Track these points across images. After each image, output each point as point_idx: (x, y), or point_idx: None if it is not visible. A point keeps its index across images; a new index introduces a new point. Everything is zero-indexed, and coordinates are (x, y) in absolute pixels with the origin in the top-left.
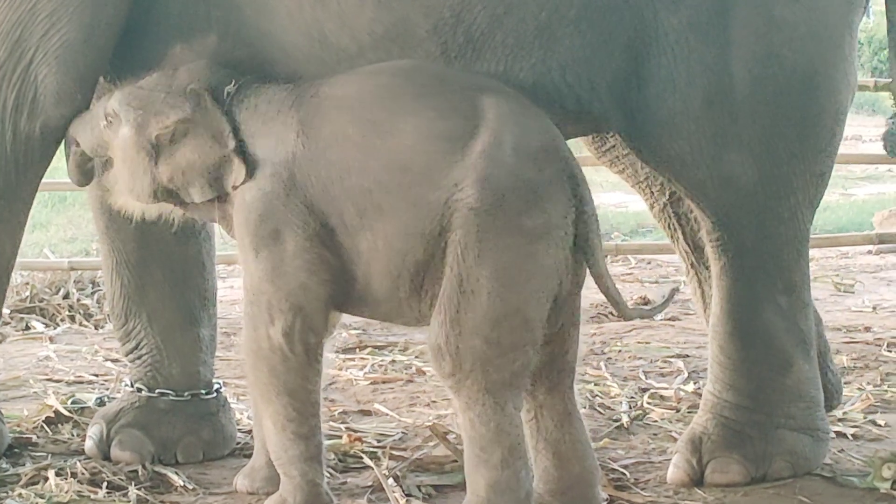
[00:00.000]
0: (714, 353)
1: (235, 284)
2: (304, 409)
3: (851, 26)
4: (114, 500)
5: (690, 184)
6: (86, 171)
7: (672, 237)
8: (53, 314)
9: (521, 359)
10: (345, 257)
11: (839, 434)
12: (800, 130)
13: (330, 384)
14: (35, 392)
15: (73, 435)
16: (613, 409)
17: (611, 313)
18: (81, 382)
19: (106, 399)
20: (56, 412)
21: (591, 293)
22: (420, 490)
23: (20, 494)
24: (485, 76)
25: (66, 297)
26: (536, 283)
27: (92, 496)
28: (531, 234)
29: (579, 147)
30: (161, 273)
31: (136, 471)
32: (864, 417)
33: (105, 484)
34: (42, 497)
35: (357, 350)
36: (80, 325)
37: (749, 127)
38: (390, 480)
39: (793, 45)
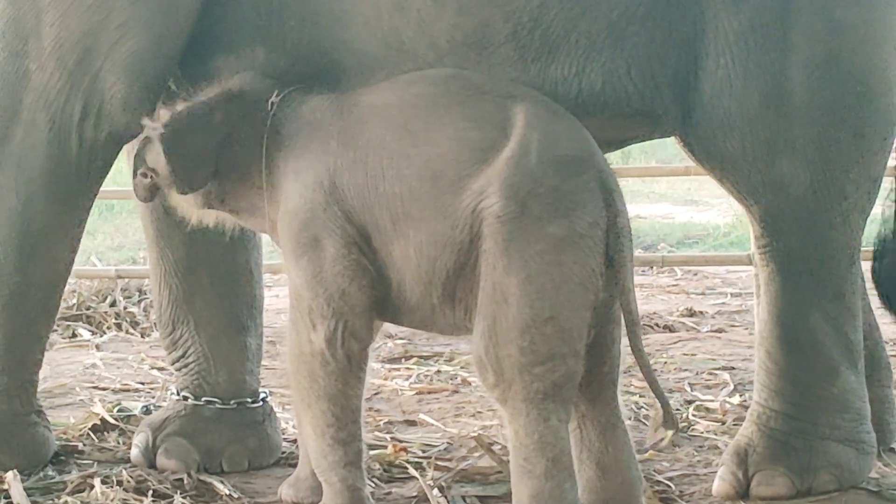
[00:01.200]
0: (761, 360)
1: (280, 293)
2: (343, 415)
3: None
4: None
5: (741, 186)
6: (151, 189)
7: None
8: (100, 322)
9: (561, 369)
10: (380, 264)
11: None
12: (855, 134)
13: (375, 394)
14: (81, 400)
15: (118, 443)
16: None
17: (656, 324)
18: (127, 390)
19: (152, 407)
20: (102, 420)
21: (639, 304)
22: (465, 501)
23: (66, 502)
24: (521, 84)
25: (112, 304)
26: (567, 291)
27: None
28: (556, 242)
29: (625, 158)
30: (209, 281)
31: (181, 479)
32: None
33: (150, 492)
34: None
35: (402, 360)
36: (127, 332)
37: (804, 132)
38: (435, 491)
39: (852, 47)
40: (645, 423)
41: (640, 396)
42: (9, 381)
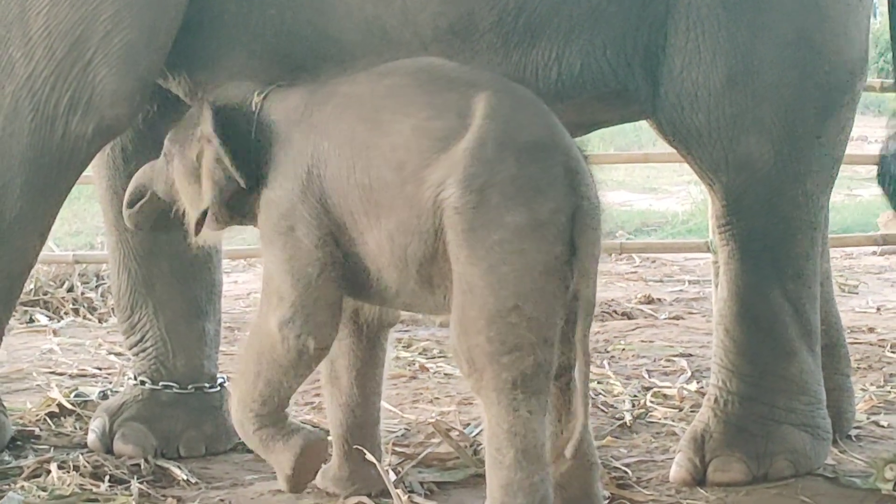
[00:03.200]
0: (720, 339)
1: (239, 279)
2: (270, 398)
3: (868, 9)
4: (116, 494)
5: (705, 163)
6: (148, 217)
7: None
8: (57, 307)
9: (529, 359)
10: (357, 253)
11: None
12: (820, 113)
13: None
14: (38, 385)
15: (75, 428)
16: (616, 408)
17: (615, 312)
18: (84, 376)
19: (109, 392)
20: (59, 405)
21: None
22: (422, 486)
23: (22, 487)
24: (491, 72)
25: (70, 290)
26: (530, 279)
27: (94, 489)
28: (517, 231)
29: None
30: (168, 266)
31: (138, 464)
32: (868, 418)
33: (107, 477)
34: (44, 490)
35: None
36: (84, 318)
37: (770, 110)
38: (392, 476)
39: (822, 26)
40: (603, 410)
41: (598, 383)
42: None
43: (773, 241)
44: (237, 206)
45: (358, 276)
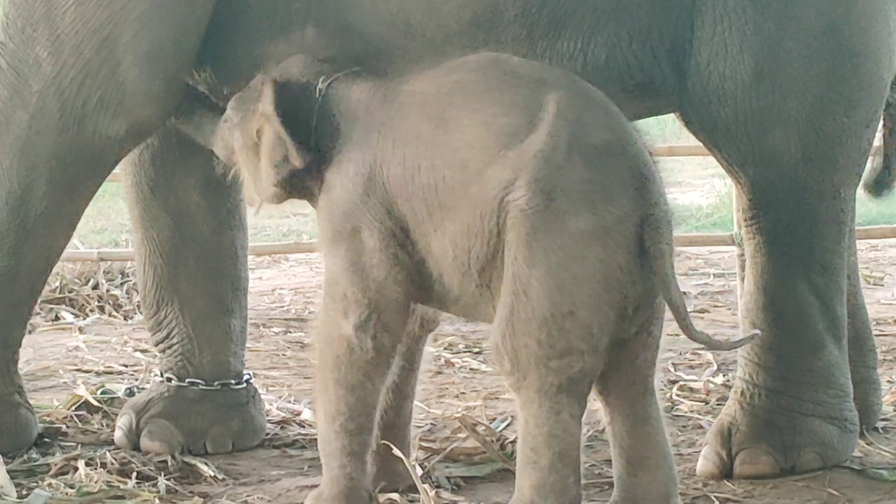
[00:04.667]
0: (746, 332)
1: (264, 276)
2: (357, 405)
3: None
4: (143, 491)
5: (732, 156)
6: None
7: None
8: (83, 305)
9: (578, 364)
10: (420, 256)
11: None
12: (848, 105)
13: None
14: (65, 382)
15: (102, 425)
16: None
17: None
18: (111, 373)
19: (135, 389)
20: (86, 402)
21: None
22: (449, 481)
23: (50, 484)
24: (562, 69)
25: (95, 287)
26: (588, 287)
27: (121, 486)
28: (580, 237)
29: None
30: (195, 262)
31: (165, 461)
32: (894, 410)
33: (134, 474)
34: (72, 487)
35: None
36: (110, 315)
37: (798, 103)
38: (419, 471)
39: (850, 19)
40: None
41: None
42: None
43: (799, 235)
44: (294, 183)
45: (420, 278)
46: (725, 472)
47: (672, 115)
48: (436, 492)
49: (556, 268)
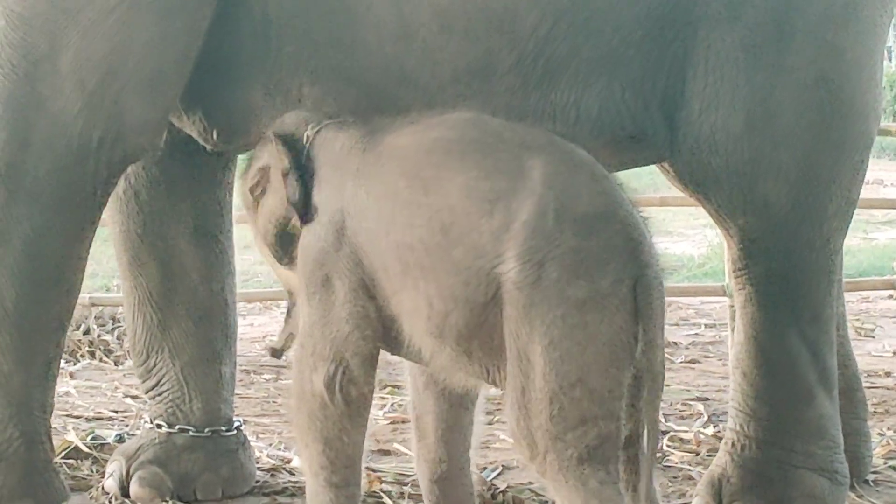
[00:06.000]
0: (737, 383)
1: (255, 322)
2: (337, 459)
3: (882, 51)
4: None
5: (722, 207)
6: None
7: None
8: (74, 350)
9: (593, 431)
10: (391, 312)
11: None
12: (837, 155)
13: None
14: (55, 427)
15: (92, 471)
16: None
17: None
18: (101, 419)
19: (125, 435)
20: (76, 448)
21: None
22: None
23: None
24: (545, 132)
25: (86, 332)
26: (593, 351)
27: None
28: (579, 304)
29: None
30: (185, 309)
31: None
32: (885, 463)
33: None
34: None
35: (376, 389)
36: (101, 360)
37: (788, 153)
38: None
39: (840, 70)
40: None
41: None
42: (36, 426)
43: (790, 285)
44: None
45: (389, 335)
46: None
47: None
48: None
49: (558, 339)
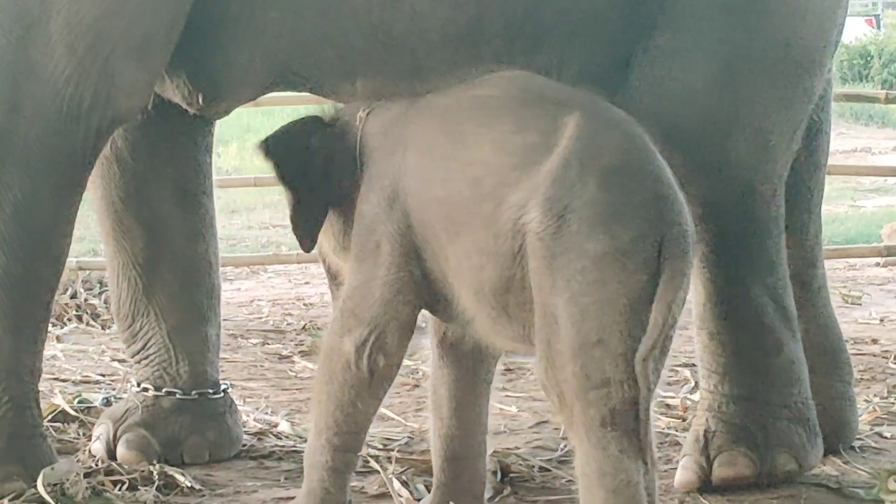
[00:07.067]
0: (704, 343)
1: (243, 287)
2: (345, 422)
3: (843, 17)
4: (124, 499)
5: (686, 167)
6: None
7: None
8: (61, 314)
9: (618, 395)
10: (441, 270)
11: None
12: (788, 112)
13: None
14: (42, 391)
15: (79, 434)
16: None
17: None
18: (88, 382)
19: (112, 399)
20: (62, 411)
21: None
22: (428, 492)
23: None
24: (590, 93)
25: (73, 296)
26: (614, 312)
27: (106, 494)
28: (597, 259)
29: None
30: (170, 272)
31: (145, 471)
32: (871, 429)
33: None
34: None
35: None
36: (88, 324)
37: (750, 111)
38: (397, 484)
39: (802, 33)
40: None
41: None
42: (25, 391)
43: (747, 239)
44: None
45: (439, 295)
46: (704, 480)
47: None
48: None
49: (577, 294)
